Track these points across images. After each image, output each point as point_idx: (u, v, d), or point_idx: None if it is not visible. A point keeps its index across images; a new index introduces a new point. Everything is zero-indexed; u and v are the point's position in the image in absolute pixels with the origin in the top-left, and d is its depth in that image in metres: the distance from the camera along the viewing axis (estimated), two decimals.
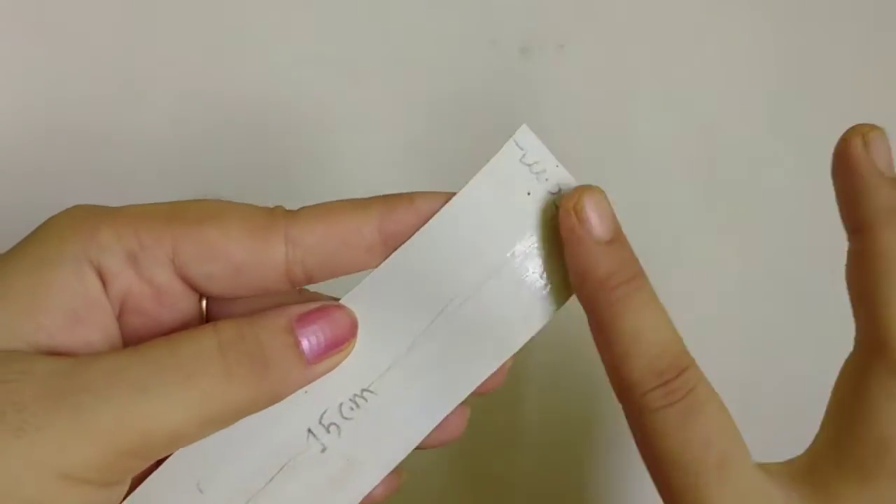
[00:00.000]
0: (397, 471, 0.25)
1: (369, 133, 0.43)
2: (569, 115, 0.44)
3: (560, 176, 0.24)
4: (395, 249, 0.24)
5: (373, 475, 0.24)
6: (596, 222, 0.23)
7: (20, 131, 0.39)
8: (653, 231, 0.44)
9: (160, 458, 0.22)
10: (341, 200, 0.23)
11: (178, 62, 0.41)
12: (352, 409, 0.24)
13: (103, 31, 0.40)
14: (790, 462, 0.25)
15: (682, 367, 0.23)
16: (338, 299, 0.24)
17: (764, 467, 0.24)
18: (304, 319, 0.22)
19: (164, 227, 0.22)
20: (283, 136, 0.42)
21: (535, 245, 0.24)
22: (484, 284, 0.24)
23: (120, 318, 0.23)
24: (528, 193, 0.24)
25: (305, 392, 0.23)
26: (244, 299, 0.23)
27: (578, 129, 0.44)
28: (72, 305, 0.21)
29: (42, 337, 0.21)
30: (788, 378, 0.45)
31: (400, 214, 0.23)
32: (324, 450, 0.24)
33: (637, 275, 0.23)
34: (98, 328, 0.22)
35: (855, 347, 0.25)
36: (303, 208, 0.23)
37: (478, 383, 0.24)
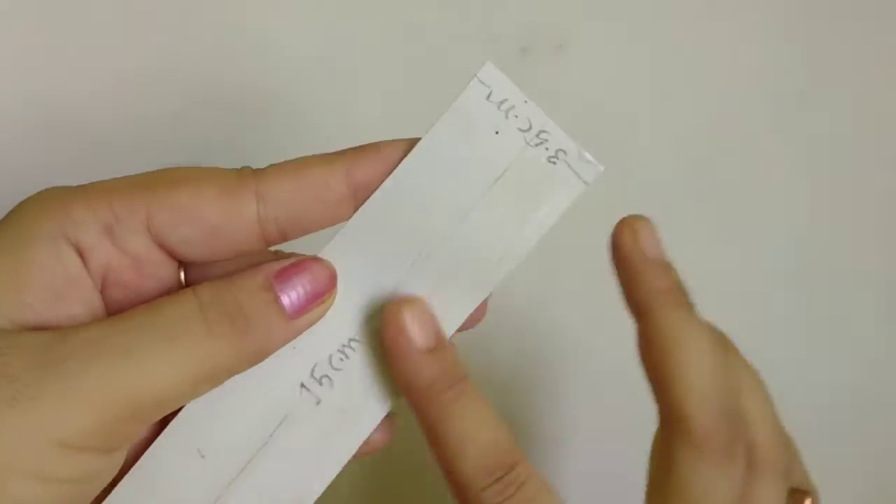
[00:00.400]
0: (391, 416, 0.25)
1: (369, 133, 0.43)
2: (568, 115, 0.44)
3: (529, 112, 0.24)
4: (366, 200, 0.24)
5: (369, 422, 0.24)
6: (416, 333, 0.23)
7: (14, 125, 0.39)
8: None
9: (154, 420, 0.22)
10: (309, 155, 0.24)
11: (177, 58, 0.41)
12: (341, 359, 0.24)
13: (101, 25, 0.40)
14: None
15: (511, 463, 0.23)
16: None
17: None
18: (281, 275, 0.23)
19: (137, 196, 0.22)
20: (282, 136, 0.42)
21: (507, 183, 0.24)
22: (458, 226, 0.24)
23: (103, 291, 0.23)
24: (497, 132, 0.24)
25: (294, 348, 0.23)
26: (221, 263, 0.23)
27: (578, 130, 0.44)
28: (53, 283, 0.22)
29: (27, 314, 0.21)
30: (788, 378, 0.45)
31: (367, 163, 0.24)
32: (318, 402, 0.24)
33: (459, 379, 0.24)
34: (81, 303, 0.22)
35: (659, 425, 0.26)
36: (271, 166, 0.23)
37: (460, 322, 0.24)
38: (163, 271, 0.23)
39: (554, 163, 0.24)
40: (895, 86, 0.47)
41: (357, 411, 0.24)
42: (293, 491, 0.24)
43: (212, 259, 0.23)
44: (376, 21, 0.43)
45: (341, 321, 0.24)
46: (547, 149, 0.24)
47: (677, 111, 0.45)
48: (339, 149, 0.38)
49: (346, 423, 0.24)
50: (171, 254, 0.23)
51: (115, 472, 0.23)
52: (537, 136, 0.24)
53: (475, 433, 0.23)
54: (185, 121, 0.41)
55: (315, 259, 0.24)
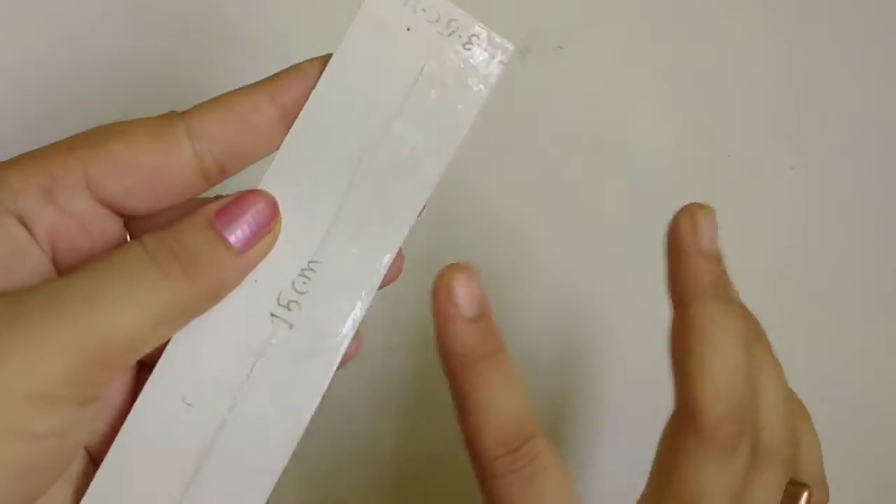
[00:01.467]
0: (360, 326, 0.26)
1: None
2: (568, 115, 0.44)
3: (436, 3, 0.24)
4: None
5: (343, 335, 0.25)
6: (464, 300, 0.24)
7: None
8: (652, 231, 0.44)
9: (122, 367, 0.22)
10: (234, 89, 0.24)
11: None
12: (304, 282, 0.24)
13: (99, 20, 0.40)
14: None
15: (527, 436, 0.24)
16: None
17: None
18: (222, 213, 0.23)
19: (71, 156, 0.22)
20: None
21: (429, 76, 0.24)
22: (389, 128, 0.24)
23: (54, 257, 0.23)
24: (408, 29, 0.24)
25: (255, 281, 0.24)
26: (165, 213, 0.24)
27: (577, 130, 0.44)
28: (1, 256, 0.22)
29: None
30: (788, 378, 0.45)
31: (289, 84, 0.24)
32: (291, 327, 0.24)
33: (496, 350, 0.25)
34: (33, 272, 0.22)
35: (673, 410, 0.27)
36: (197, 104, 0.23)
37: (410, 223, 0.25)
38: (109, 228, 0.23)
39: (469, 49, 0.25)
40: (895, 86, 0.46)
41: (329, 326, 0.25)
42: (283, 421, 0.24)
43: (156, 208, 0.23)
44: None
45: (296, 245, 0.24)
46: (460, 36, 0.25)
47: (677, 111, 0.45)
48: None
49: (321, 341, 0.25)
50: (115, 208, 0.23)
51: (92, 426, 0.23)
52: (448, 25, 0.24)
53: (499, 404, 0.24)
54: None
55: (253, 191, 0.24)
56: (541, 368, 0.44)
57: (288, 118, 0.24)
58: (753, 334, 0.28)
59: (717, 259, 0.27)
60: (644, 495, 0.27)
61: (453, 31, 0.24)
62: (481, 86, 0.25)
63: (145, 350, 0.22)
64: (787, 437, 0.27)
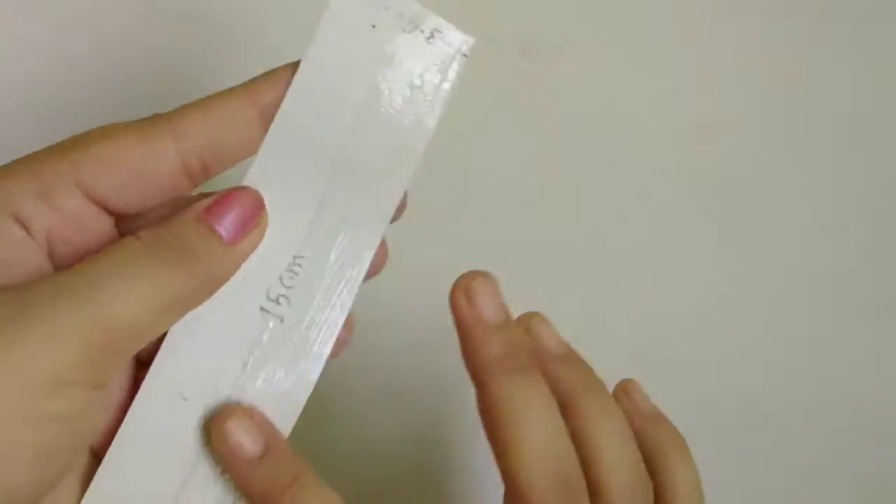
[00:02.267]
0: (350, 316, 0.26)
1: None
2: (568, 115, 0.44)
3: (399, 1, 0.25)
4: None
5: (333, 324, 0.25)
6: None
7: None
8: (652, 231, 0.44)
9: (131, 352, 0.23)
10: (216, 92, 0.25)
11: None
12: (291, 277, 0.25)
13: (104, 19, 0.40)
14: None
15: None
16: None
17: None
18: (211, 208, 0.24)
19: (62, 158, 0.23)
20: None
21: (396, 70, 0.25)
22: (360, 123, 0.25)
23: (51, 256, 0.24)
24: (373, 26, 0.25)
25: (244, 278, 0.25)
26: (154, 212, 0.25)
27: (578, 130, 0.44)
28: (2, 254, 0.23)
29: None
30: (787, 380, 0.45)
31: (266, 86, 0.25)
32: (282, 320, 0.25)
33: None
34: (33, 270, 0.23)
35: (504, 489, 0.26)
36: (181, 106, 0.24)
37: (389, 215, 0.25)
38: (102, 226, 0.24)
39: (431, 43, 0.26)
40: (895, 85, 0.47)
41: (320, 316, 0.25)
42: (280, 411, 0.25)
43: (145, 206, 0.24)
44: None
45: (281, 241, 0.25)
46: (423, 31, 0.25)
47: (677, 111, 0.45)
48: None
49: (311, 332, 0.25)
50: (105, 207, 0.24)
51: (98, 418, 0.24)
52: (410, 21, 0.25)
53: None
54: None
55: (239, 187, 0.25)
56: None
57: (267, 119, 0.25)
58: (578, 389, 0.27)
59: (503, 327, 0.26)
60: None
61: (416, 26, 0.25)
62: (444, 79, 0.26)
63: (148, 337, 0.23)
64: (636, 481, 0.26)
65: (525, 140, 0.43)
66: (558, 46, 0.44)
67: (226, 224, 0.24)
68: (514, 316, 0.27)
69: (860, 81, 0.47)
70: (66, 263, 0.23)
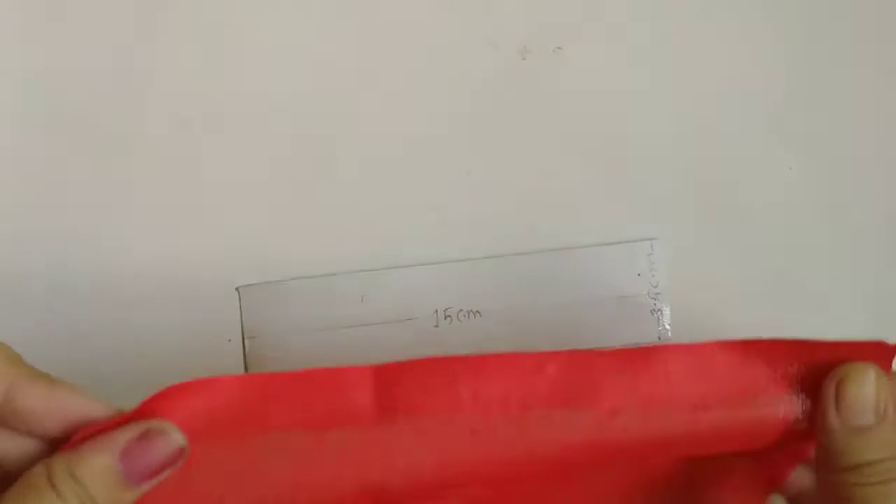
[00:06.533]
0: None
1: (368, 134, 0.43)
2: (568, 116, 0.44)
3: None
4: None
5: None
6: (854, 406, 0.23)
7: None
8: (652, 231, 0.44)
9: None
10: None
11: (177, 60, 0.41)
12: None
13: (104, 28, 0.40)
14: None
15: None
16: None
17: None
18: (127, 454, 0.24)
19: None
20: (280, 135, 0.42)
21: None
22: None
23: None
24: None
25: None
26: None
27: (578, 131, 0.44)
28: None
29: None
30: None
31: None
32: None
33: None
34: None
35: None
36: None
37: None
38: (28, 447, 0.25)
39: None
40: (895, 86, 0.46)
41: None
42: None
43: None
44: (374, 22, 0.43)
45: None
46: None
47: (677, 112, 0.45)
48: (336, 149, 0.38)
49: None
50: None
51: None
52: None
53: None
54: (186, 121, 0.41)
55: (162, 432, 0.25)
56: None
57: None
58: None
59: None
60: None
61: None
62: None
63: None
64: None
65: (525, 140, 0.43)
66: (557, 48, 0.44)
67: (139, 472, 0.24)
68: None
69: (860, 81, 0.46)
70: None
